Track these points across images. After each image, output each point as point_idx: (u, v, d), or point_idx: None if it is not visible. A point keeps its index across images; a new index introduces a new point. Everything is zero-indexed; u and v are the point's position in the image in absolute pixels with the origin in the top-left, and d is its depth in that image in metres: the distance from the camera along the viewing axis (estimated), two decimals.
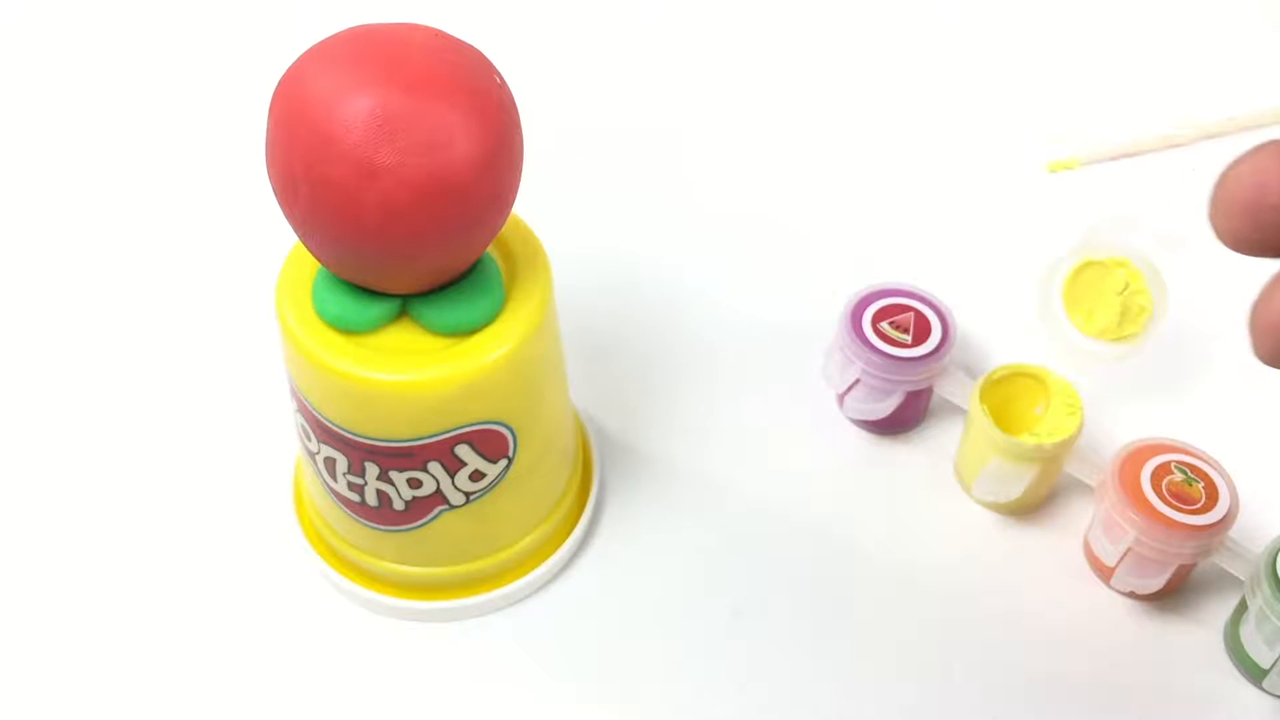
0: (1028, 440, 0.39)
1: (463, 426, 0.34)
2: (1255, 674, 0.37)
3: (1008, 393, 0.41)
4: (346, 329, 0.33)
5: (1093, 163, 0.23)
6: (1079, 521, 0.41)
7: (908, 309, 0.42)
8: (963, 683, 0.38)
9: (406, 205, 0.29)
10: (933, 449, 0.43)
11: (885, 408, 0.42)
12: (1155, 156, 0.24)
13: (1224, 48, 0.49)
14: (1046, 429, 0.39)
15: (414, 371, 0.33)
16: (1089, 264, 0.42)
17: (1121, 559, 0.38)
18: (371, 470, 0.35)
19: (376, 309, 0.33)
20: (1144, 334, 0.42)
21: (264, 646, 0.38)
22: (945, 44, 0.56)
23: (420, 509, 0.36)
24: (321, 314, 0.33)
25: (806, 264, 0.48)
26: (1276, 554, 0.36)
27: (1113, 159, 0.23)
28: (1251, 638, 0.37)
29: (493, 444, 0.35)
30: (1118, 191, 0.42)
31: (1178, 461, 0.38)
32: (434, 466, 0.34)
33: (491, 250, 0.35)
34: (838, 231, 0.50)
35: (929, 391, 0.43)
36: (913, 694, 0.37)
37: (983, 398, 0.40)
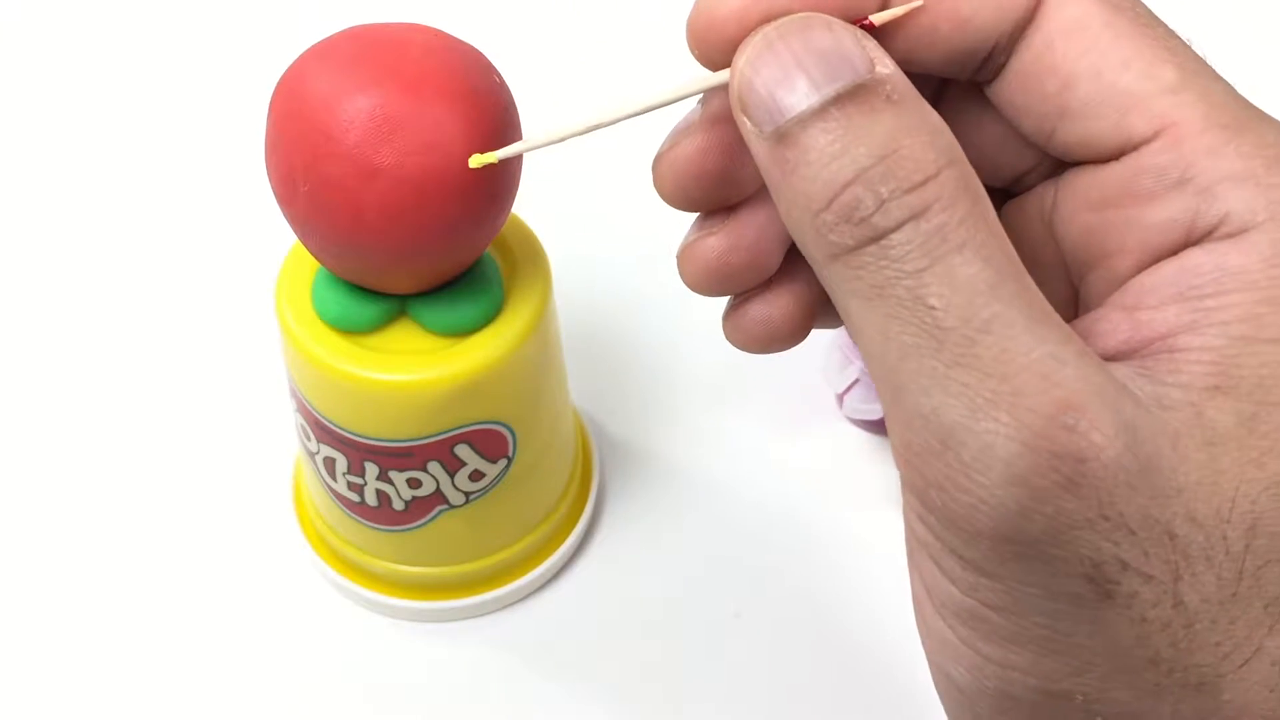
0: None
1: (462, 426, 0.34)
2: None
3: None
4: (346, 329, 0.33)
5: (511, 154, 0.25)
6: None
7: None
8: None
9: (406, 205, 0.29)
10: None
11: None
12: (589, 138, 0.25)
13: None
14: None
15: (413, 371, 0.33)
16: None
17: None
18: (371, 470, 0.35)
19: (376, 309, 0.33)
20: None
21: (263, 646, 0.38)
22: None
23: (420, 509, 0.36)
24: (321, 314, 0.33)
25: None
26: None
27: (539, 147, 0.25)
28: None
29: (492, 444, 0.35)
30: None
31: None
32: (433, 466, 0.34)
33: (491, 250, 0.35)
34: None
35: None
36: (914, 694, 0.37)
37: None
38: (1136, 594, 0.20)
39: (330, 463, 0.35)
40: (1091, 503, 0.20)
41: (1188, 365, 0.20)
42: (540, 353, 0.35)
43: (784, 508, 0.41)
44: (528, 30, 0.56)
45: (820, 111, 0.21)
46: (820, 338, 0.44)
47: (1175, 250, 0.22)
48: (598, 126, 0.24)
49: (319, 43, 0.31)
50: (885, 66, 0.21)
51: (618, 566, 0.40)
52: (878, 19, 0.22)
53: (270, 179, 0.31)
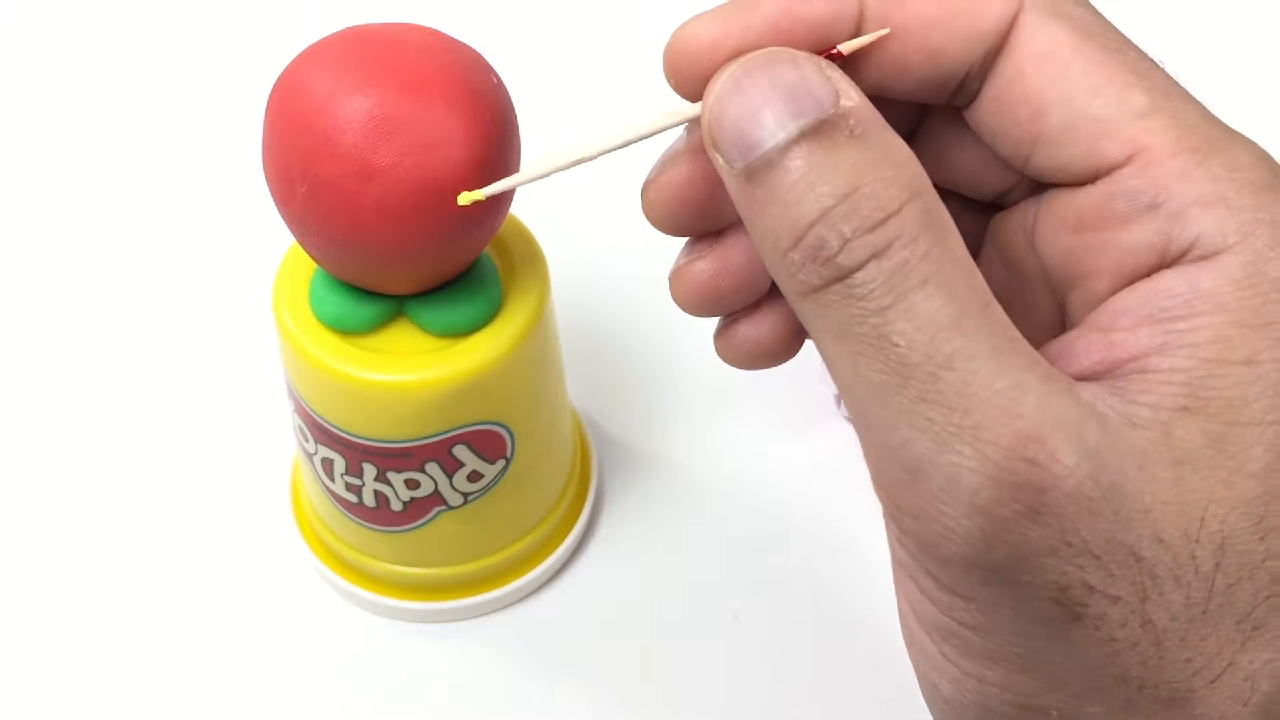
0: None
1: (460, 427, 0.34)
2: None
3: None
4: (343, 330, 0.33)
5: (499, 191, 0.25)
6: None
7: None
8: None
9: (404, 205, 0.29)
10: None
11: None
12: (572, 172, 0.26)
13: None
14: None
15: (411, 372, 0.33)
16: None
17: None
18: (369, 471, 0.35)
19: (373, 309, 0.33)
20: None
21: (261, 647, 0.38)
22: None
23: (418, 509, 0.36)
24: (318, 315, 0.33)
25: None
26: None
27: (527, 182, 0.25)
28: None
29: (491, 444, 0.35)
30: None
31: None
32: (432, 467, 0.34)
33: (489, 251, 0.35)
34: None
35: None
36: (913, 694, 0.37)
37: None
38: (1104, 615, 0.21)
39: (328, 464, 0.35)
40: (1054, 530, 0.20)
41: (1158, 386, 0.21)
42: (539, 353, 0.35)
43: (782, 508, 0.41)
44: (526, 31, 0.56)
45: (785, 149, 0.21)
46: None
47: (1149, 272, 0.22)
48: (581, 161, 0.25)
49: (316, 43, 0.31)
50: (850, 98, 0.21)
51: (616, 567, 0.40)
52: (846, 48, 0.23)
53: (267, 180, 0.31)
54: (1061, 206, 0.23)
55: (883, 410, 0.21)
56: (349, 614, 0.39)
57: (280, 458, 0.41)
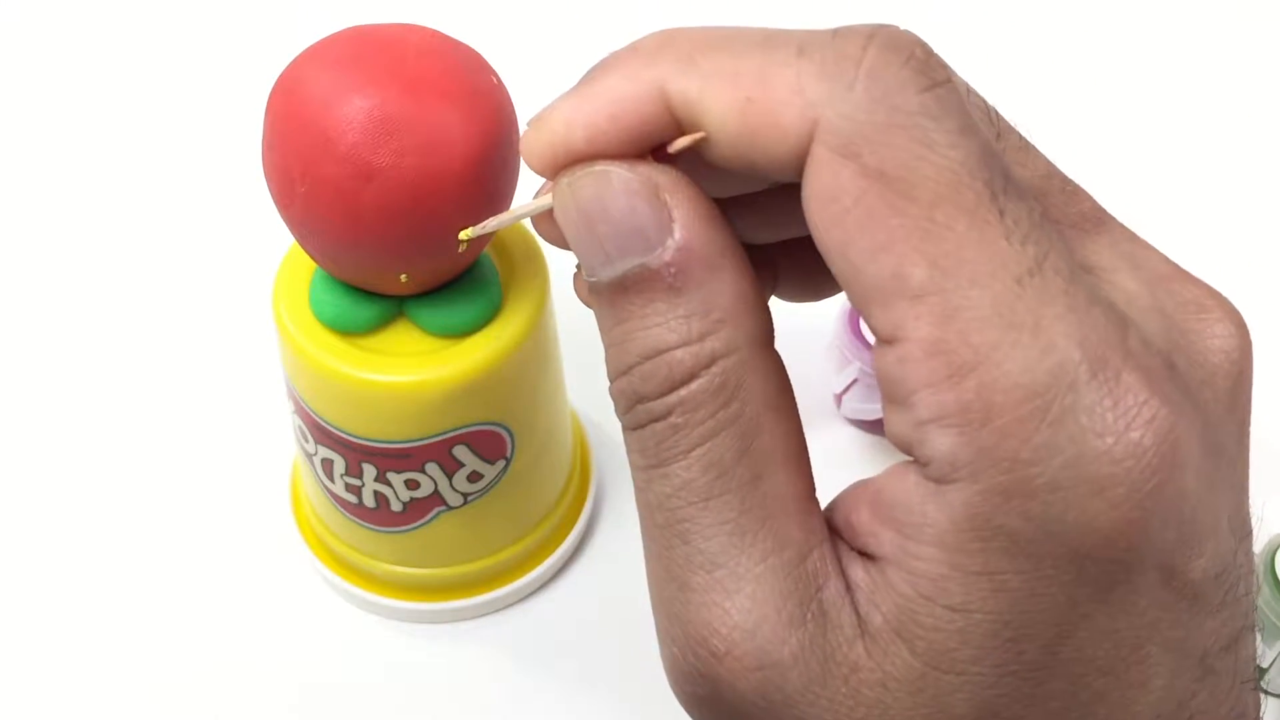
0: None
1: (460, 428, 0.34)
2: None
3: None
4: (343, 330, 0.33)
5: (499, 227, 0.25)
6: None
7: None
8: None
9: (404, 206, 0.29)
10: None
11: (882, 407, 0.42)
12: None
13: None
14: None
15: (411, 373, 0.33)
16: None
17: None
18: (369, 471, 0.35)
19: (373, 310, 0.33)
20: None
21: (262, 647, 0.38)
22: None
23: (418, 510, 0.36)
24: (319, 315, 0.33)
25: None
26: (1274, 553, 0.36)
27: (507, 224, 0.25)
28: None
29: (490, 445, 0.35)
30: None
31: None
32: (431, 467, 0.34)
33: (489, 251, 0.35)
34: None
35: None
36: None
37: None
38: None
39: (328, 464, 0.35)
40: (736, 715, 0.21)
41: (886, 600, 0.20)
42: (538, 353, 0.35)
43: None
44: (526, 31, 0.56)
45: (610, 288, 0.21)
46: (819, 338, 0.44)
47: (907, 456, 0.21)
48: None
49: (316, 43, 0.31)
50: (676, 235, 0.21)
51: (616, 567, 0.40)
52: (673, 148, 0.21)
53: (268, 180, 0.31)
54: None
55: (645, 550, 0.22)
56: (348, 614, 0.39)
57: (280, 458, 0.41)
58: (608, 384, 0.22)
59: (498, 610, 0.39)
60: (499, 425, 0.34)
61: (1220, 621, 0.20)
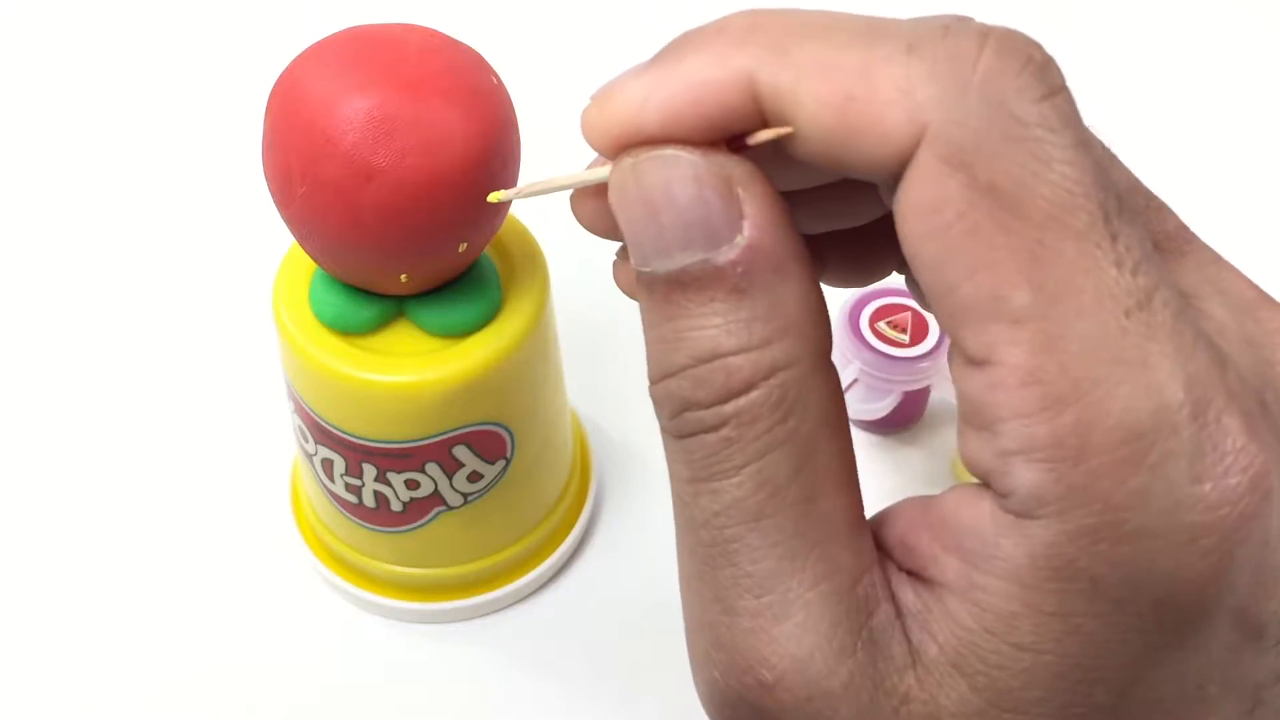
0: None
1: (460, 428, 0.34)
2: None
3: None
4: (343, 330, 0.33)
5: (526, 196, 0.24)
6: None
7: (905, 308, 0.42)
8: None
9: (403, 206, 0.29)
10: (931, 449, 0.43)
11: (883, 407, 0.42)
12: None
13: None
14: None
15: (411, 373, 0.33)
16: None
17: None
18: (369, 471, 0.35)
19: (373, 310, 0.33)
20: None
21: (262, 647, 0.38)
22: None
23: (418, 510, 0.36)
24: (318, 315, 0.33)
25: None
26: None
27: (544, 192, 0.24)
28: None
29: (490, 445, 0.35)
30: None
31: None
32: (432, 468, 0.34)
33: (489, 251, 0.35)
34: None
35: (927, 391, 0.43)
36: None
37: None
38: None
39: (328, 464, 0.35)
40: None
41: (941, 629, 0.19)
42: (538, 354, 0.35)
43: None
44: (526, 31, 0.56)
45: (667, 282, 0.20)
46: None
47: (982, 484, 0.20)
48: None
49: (316, 43, 0.31)
50: (746, 233, 0.19)
51: (616, 567, 0.40)
52: (753, 140, 0.20)
53: (268, 180, 0.31)
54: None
55: (681, 566, 0.21)
56: (348, 614, 0.39)
57: (280, 458, 0.41)
58: (649, 377, 0.21)
59: (498, 610, 0.39)
60: (499, 425, 0.34)
61: (1275, 656, 0.20)
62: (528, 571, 0.39)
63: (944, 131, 0.18)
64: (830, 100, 0.19)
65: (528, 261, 0.35)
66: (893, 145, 0.19)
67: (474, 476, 0.35)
